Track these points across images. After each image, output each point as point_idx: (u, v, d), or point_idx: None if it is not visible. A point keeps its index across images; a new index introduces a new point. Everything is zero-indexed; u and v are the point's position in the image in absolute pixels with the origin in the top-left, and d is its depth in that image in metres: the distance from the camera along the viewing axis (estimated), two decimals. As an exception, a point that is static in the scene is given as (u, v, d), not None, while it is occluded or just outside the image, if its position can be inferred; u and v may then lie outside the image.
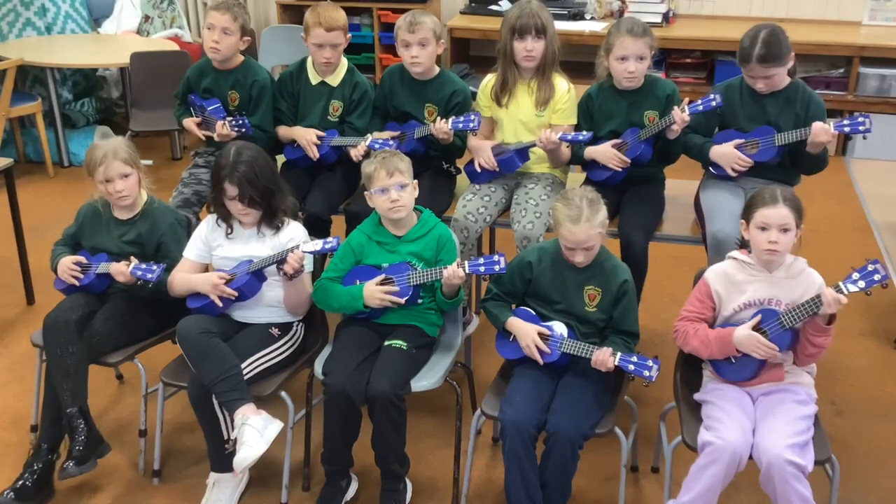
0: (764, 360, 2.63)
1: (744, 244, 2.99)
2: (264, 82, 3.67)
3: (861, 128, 3.08)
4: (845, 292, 2.49)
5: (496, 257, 2.79)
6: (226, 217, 3.00)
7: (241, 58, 3.69)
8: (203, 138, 3.71)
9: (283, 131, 3.68)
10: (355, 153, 3.44)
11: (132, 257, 3.00)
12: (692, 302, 2.77)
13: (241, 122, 3.51)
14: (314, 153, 3.54)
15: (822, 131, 3.11)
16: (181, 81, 3.79)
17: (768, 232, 2.60)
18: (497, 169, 3.46)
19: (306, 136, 3.56)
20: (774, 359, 2.63)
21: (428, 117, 3.56)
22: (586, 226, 2.68)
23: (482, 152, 3.47)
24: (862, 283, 2.49)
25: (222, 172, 2.90)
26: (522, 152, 3.45)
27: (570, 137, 3.31)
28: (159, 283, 2.97)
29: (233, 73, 3.67)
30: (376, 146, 3.37)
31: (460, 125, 3.37)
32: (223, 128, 3.51)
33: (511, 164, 3.46)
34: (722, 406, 2.60)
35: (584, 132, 3.32)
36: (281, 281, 2.93)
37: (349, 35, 3.63)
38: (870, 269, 2.50)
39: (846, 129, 3.11)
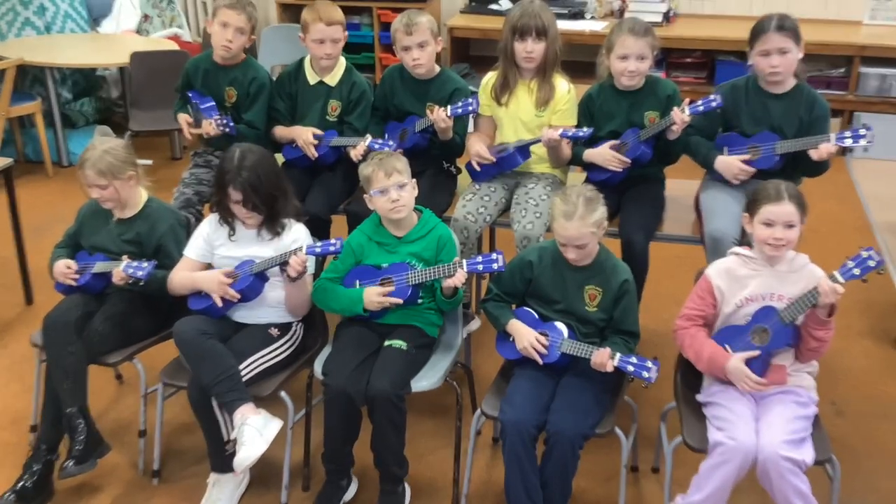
0: (767, 363, 2.64)
1: (742, 243, 2.98)
2: (263, 80, 3.68)
3: (862, 140, 3.08)
4: (841, 281, 2.50)
5: (494, 255, 2.78)
6: (229, 218, 3.00)
7: (243, 55, 3.70)
8: (189, 136, 3.73)
9: (281, 131, 3.67)
10: (355, 153, 3.43)
11: (125, 256, 2.99)
12: (693, 299, 2.76)
13: (225, 121, 3.54)
14: (312, 153, 3.54)
15: (826, 152, 3.11)
16: (181, 75, 3.80)
17: (773, 228, 2.61)
18: (494, 160, 3.46)
19: (303, 136, 3.56)
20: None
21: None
22: (578, 223, 2.68)
23: (473, 150, 3.48)
24: (857, 271, 2.50)
25: (227, 177, 2.88)
26: (523, 149, 3.45)
27: (570, 134, 3.31)
28: (153, 280, 2.96)
29: (232, 70, 3.68)
30: (376, 146, 3.37)
31: (459, 110, 3.36)
32: (209, 126, 3.54)
33: (512, 161, 3.46)
34: (730, 407, 2.60)
35: (585, 129, 3.32)
36: (283, 281, 2.93)
37: (346, 33, 3.63)
38: (864, 255, 2.51)
39: (847, 142, 3.11)
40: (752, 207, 2.68)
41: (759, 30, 3.21)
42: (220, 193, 2.93)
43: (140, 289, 3.00)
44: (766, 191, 2.64)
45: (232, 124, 3.56)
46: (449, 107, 3.37)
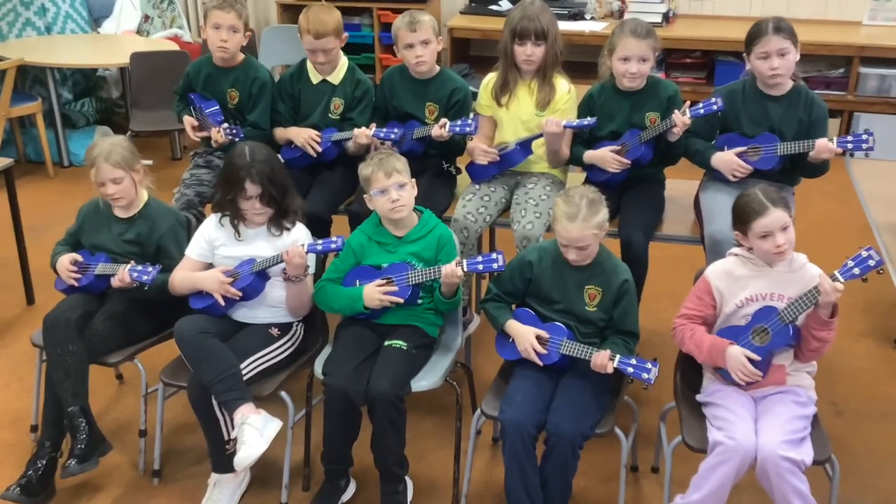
0: (768, 363, 2.64)
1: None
2: (265, 80, 3.68)
3: (864, 146, 3.09)
4: (841, 280, 2.50)
5: (494, 255, 2.79)
6: (234, 218, 3.00)
7: (242, 56, 3.70)
8: (196, 139, 3.72)
9: (279, 133, 3.68)
10: (358, 138, 3.44)
11: (131, 261, 3.00)
12: (691, 299, 2.77)
13: (234, 130, 3.53)
14: (315, 149, 3.54)
15: (826, 149, 3.12)
16: (182, 77, 3.80)
17: (772, 238, 2.61)
18: (498, 158, 3.47)
19: (303, 135, 3.56)
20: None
21: (429, 116, 3.57)
22: (581, 225, 2.68)
23: (476, 151, 3.48)
24: (857, 270, 2.51)
25: (241, 172, 2.88)
26: (526, 145, 3.46)
27: (574, 124, 3.32)
28: (155, 285, 2.96)
29: (233, 71, 3.68)
30: (381, 135, 3.41)
31: (457, 129, 3.36)
32: (217, 134, 3.53)
33: (515, 157, 3.47)
34: (729, 407, 2.61)
35: (589, 118, 3.33)
36: (284, 282, 2.93)
37: (346, 35, 3.63)
38: (864, 255, 2.52)
39: (849, 147, 3.12)
40: (740, 226, 2.68)
41: (756, 33, 3.21)
42: (233, 190, 2.92)
43: (142, 293, 3.00)
44: (751, 206, 2.63)
45: (242, 135, 3.54)
46: (448, 123, 3.38)
